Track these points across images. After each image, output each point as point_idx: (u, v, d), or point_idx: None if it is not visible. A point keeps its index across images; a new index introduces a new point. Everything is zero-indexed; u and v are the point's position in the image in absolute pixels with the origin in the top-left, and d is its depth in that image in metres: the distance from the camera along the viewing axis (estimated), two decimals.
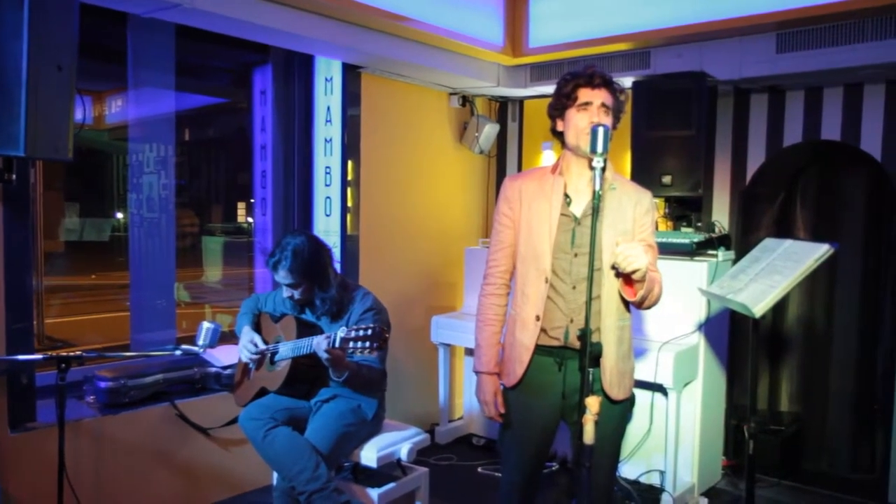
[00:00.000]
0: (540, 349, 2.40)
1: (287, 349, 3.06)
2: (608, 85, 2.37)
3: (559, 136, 2.45)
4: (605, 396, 2.36)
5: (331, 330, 2.87)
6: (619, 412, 2.45)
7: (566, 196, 2.40)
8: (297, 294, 3.09)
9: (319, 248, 3.14)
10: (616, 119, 2.43)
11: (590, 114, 2.33)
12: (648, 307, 2.42)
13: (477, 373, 2.54)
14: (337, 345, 2.74)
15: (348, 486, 3.23)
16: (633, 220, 2.40)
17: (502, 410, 2.49)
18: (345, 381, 2.94)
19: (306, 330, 3.05)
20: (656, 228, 2.66)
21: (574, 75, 2.39)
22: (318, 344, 2.82)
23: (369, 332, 2.67)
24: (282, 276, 3.04)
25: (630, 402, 2.53)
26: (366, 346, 2.67)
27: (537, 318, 2.39)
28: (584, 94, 2.35)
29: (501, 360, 2.52)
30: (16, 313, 3.06)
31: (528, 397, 2.45)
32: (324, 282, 3.09)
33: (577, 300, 2.35)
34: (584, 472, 2.12)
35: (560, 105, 2.42)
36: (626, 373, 2.44)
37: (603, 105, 2.34)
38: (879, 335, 4.17)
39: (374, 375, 3.11)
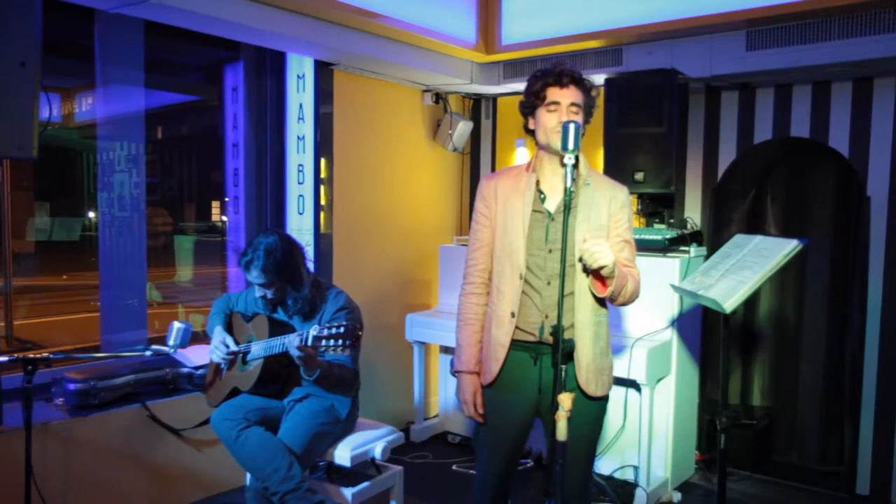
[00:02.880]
0: (516, 344, 2.41)
1: (259, 348, 3.04)
2: (578, 83, 2.36)
3: (532, 133, 2.45)
4: (582, 393, 2.37)
5: (303, 329, 2.85)
6: (596, 409, 2.45)
7: (540, 193, 2.41)
8: (269, 294, 3.07)
9: (292, 247, 3.11)
10: (588, 115, 2.42)
11: (559, 114, 2.33)
12: (624, 304, 2.42)
13: (457, 372, 2.54)
14: (309, 343, 2.73)
15: (322, 485, 3.21)
16: (609, 215, 2.40)
17: (481, 410, 2.49)
18: (316, 379, 2.92)
19: (278, 329, 3.03)
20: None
21: (543, 73, 2.38)
22: (291, 342, 2.80)
23: (342, 330, 2.66)
24: (254, 275, 3.01)
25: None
26: (338, 344, 2.66)
27: (512, 315, 2.39)
28: (553, 94, 2.35)
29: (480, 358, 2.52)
30: None
31: (505, 394, 2.44)
32: (297, 281, 3.07)
33: (552, 296, 2.35)
34: (557, 469, 2.13)
35: (530, 104, 2.41)
36: (604, 369, 2.43)
37: (573, 104, 2.34)
38: (848, 329, 4.23)
39: (346, 374, 3.09)
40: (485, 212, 2.49)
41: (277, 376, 3.08)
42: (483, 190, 2.52)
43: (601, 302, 2.41)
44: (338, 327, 2.67)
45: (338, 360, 3.03)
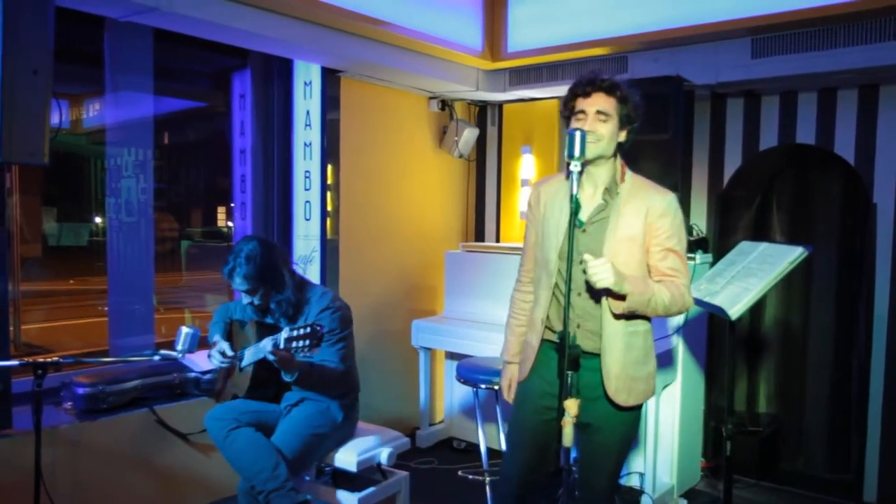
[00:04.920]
0: (554, 345, 2.41)
1: (249, 354, 3.07)
2: (606, 90, 2.33)
3: None
4: (610, 402, 2.37)
5: None
6: (627, 419, 2.43)
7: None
8: (255, 300, 3.08)
9: (272, 250, 3.12)
10: (625, 123, 2.37)
11: (582, 123, 2.32)
12: (662, 315, 2.41)
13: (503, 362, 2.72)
14: (282, 346, 2.75)
15: (328, 490, 3.22)
16: (646, 225, 2.35)
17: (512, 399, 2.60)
18: (295, 381, 2.95)
19: (267, 334, 3.03)
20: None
21: (574, 85, 2.39)
22: (265, 346, 2.85)
23: (308, 330, 2.70)
24: (238, 283, 3.04)
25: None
26: (306, 344, 2.70)
27: (542, 322, 2.45)
28: (579, 104, 2.35)
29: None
30: None
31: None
32: (279, 284, 3.08)
33: (582, 306, 2.37)
34: (564, 475, 2.15)
35: (567, 117, 2.43)
36: (638, 378, 2.41)
37: (599, 112, 2.32)
38: (854, 336, 4.22)
39: (329, 374, 3.09)
40: (530, 216, 2.58)
41: (268, 380, 3.12)
42: (530, 196, 2.61)
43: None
44: (304, 328, 2.71)
45: (323, 360, 3.05)
